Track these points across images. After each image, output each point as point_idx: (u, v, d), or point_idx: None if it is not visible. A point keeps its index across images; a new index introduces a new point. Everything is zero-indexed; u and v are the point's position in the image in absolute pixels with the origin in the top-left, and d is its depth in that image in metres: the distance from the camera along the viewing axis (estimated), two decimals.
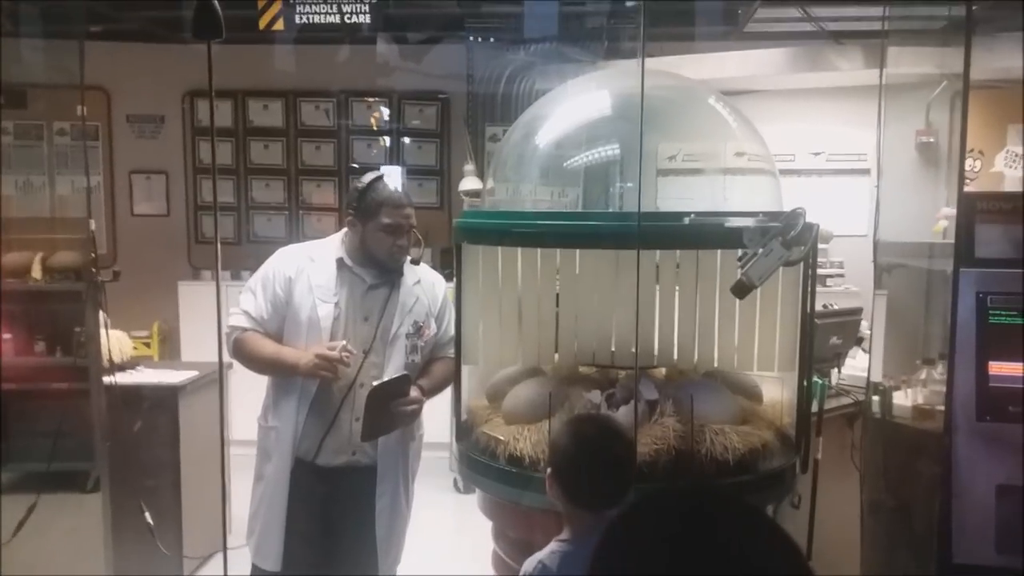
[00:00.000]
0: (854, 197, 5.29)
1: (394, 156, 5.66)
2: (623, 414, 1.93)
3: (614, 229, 1.91)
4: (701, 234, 1.86)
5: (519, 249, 2.16)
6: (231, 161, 5.68)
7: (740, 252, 1.81)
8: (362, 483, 2.31)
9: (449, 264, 5.27)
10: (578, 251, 2.12)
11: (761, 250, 1.73)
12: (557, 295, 2.20)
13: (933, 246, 2.84)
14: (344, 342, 2.24)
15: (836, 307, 3.05)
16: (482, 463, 2.08)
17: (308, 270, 2.34)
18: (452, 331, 2.40)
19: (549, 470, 1.61)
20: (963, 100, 1.92)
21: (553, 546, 1.56)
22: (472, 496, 2.28)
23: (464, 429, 2.25)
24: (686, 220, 1.81)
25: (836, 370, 2.88)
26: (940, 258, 2.70)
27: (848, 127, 5.21)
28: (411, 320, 2.33)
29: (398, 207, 2.31)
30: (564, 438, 1.59)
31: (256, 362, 2.29)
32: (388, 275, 2.35)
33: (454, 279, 2.28)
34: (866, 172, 5.36)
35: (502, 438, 2.05)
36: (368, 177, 2.37)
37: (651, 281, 2.05)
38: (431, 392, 2.34)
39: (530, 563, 1.54)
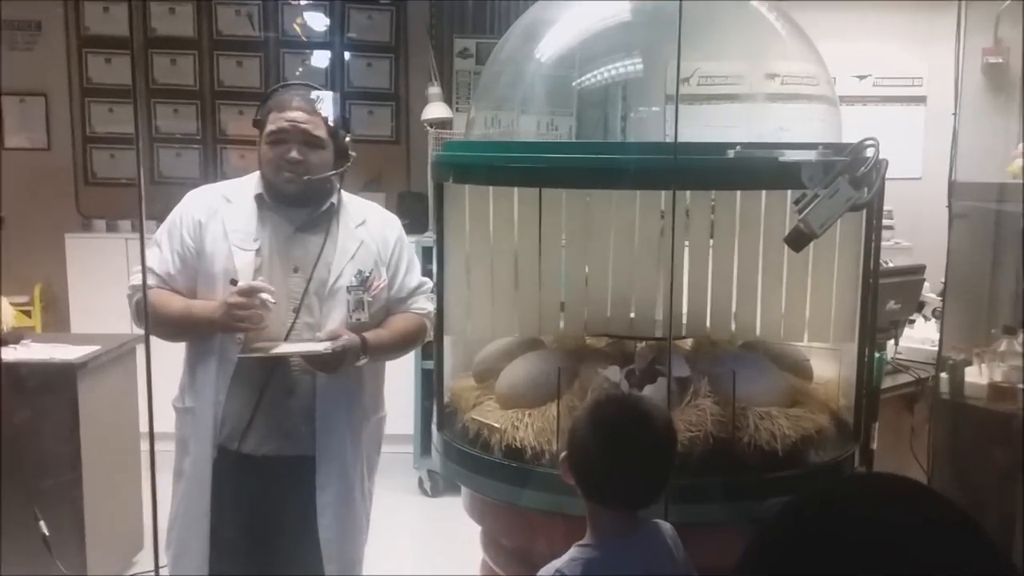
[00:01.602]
0: (906, 130, 5.34)
1: (336, 76, 5.56)
2: (649, 394, 1.93)
3: (643, 164, 1.89)
4: (749, 171, 1.85)
5: (515, 190, 2.15)
6: (128, 80, 5.53)
7: (796, 195, 1.80)
8: (301, 475, 2.30)
9: (408, 213, 5.30)
10: (589, 194, 2.11)
11: (824, 191, 1.73)
12: (563, 248, 2.19)
13: (1004, 188, 2.89)
14: (261, 280, 2.22)
15: (891, 264, 3.10)
16: (471, 456, 2.08)
17: (223, 212, 2.31)
18: (414, 282, 2.40)
19: (564, 455, 1.62)
20: None
21: (574, 552, 1.57)
22: (443, 500, 2.30)
23: (448, 415, 2.25)
24: (730, 153, 1.80)
25: (893, 342, 2.93)
26: (1013, 203, 2.74)
27: (900, 45, 5.23)
28: (354, 269, 2.31)
29: (282, 109, 2.27)
30: (588, 425, 1.59)
31: (164, 325, 2.25)
32: (321, 214, 2.32)
33: (434, 228, 2.26)
34: (920, 100, 5.40)
35: (497, 425, 2.06)
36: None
37: (680, 231, 2.04)
38: (377, 350, 2.29)
39: (546, 571, 1.55)
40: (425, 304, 2.42)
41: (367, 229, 2.37)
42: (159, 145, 5.59)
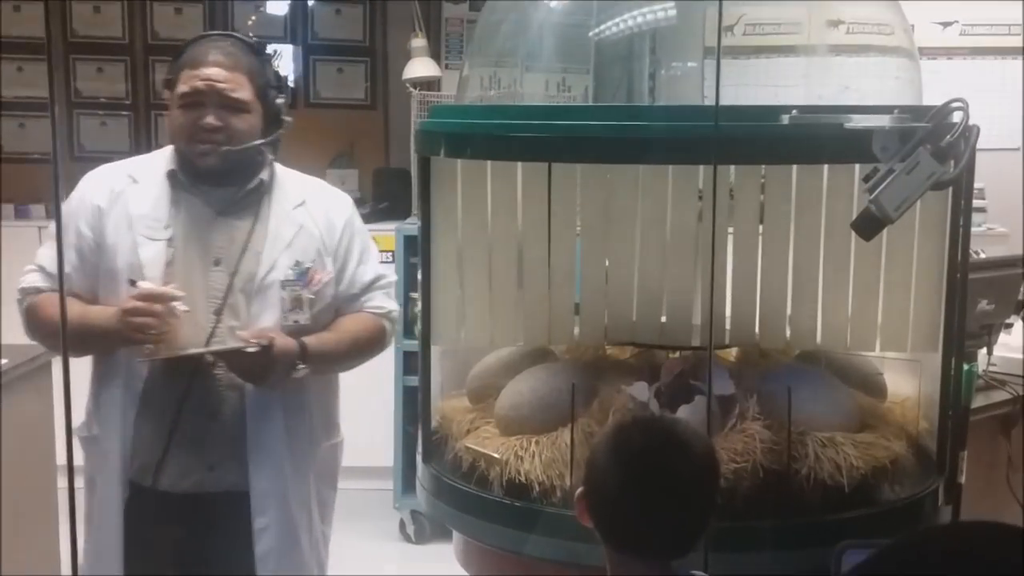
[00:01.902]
0: (1001, 90, 5.33)
1: (298, 26, 5.57)
2: (684, 416, 1.94)
3: (676, 133, 1.90)
4: (807, 140, 1.85)
5: (519, 166, 2.15)
6: (41, 32, 5.54)
7: (866, 170, 1.80)
8: (232, 516, 2.28)
9: (385, 195, 5.31)
10: (610, 170, 2.11)
11: (900, 165, 1.73)
12: (578, 238, 2.20)
13: None
14: (173, 285, 2.19)
15: (984, 255, 3.10)
16: (465, 494, 2.09)
17: (128, 195, 2.29)
18: (368, 275, 2.38)
19: (581, 491, 1.63)
20: None
21: None
22: (430, 547, 2.31)
23: (436, 443, 2.26)
24: (784, 119, 1.80)
25: (985, 351, 2.93)
26: None
27: None
28: (290, 260, 2.29)
29: (196, 65, 2.24)
30: (609, 455, 1.59)
31: (55, 336, 2.25)
32: (249, 194, 2.31)
33: (418, 213, 2.26)
34: (1018, 53, 5.39)
35: (496, 456, 2.06)
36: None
37: (723, 216, 2.05)
38: (319, 358, 2.27)
39: None
40: (384, 302, 2.40)
41: (308, 211, 2.35)
42: (80, 112, 5.59)
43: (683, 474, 1.57)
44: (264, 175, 2.32)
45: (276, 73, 2.34)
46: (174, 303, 2.15)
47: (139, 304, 2.14)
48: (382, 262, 4.51)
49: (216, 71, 2.22)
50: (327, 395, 2.43)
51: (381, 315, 2.39)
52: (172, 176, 2.30)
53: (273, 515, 2.29)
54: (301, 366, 2.22)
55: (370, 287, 2.38)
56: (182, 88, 2.24)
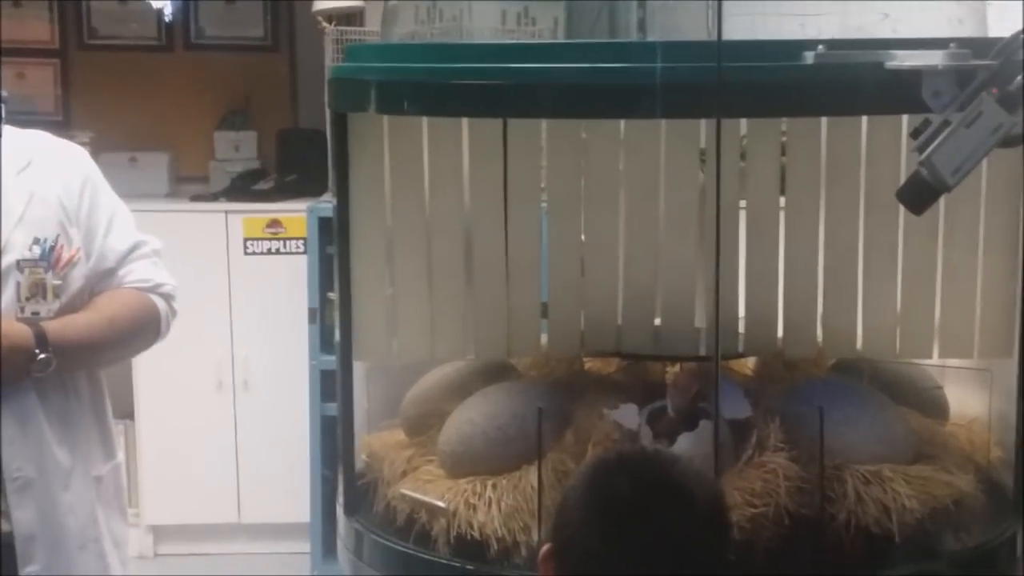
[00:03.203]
0: None
1: None
2: (685, 448, 1.95)
3: (672, 77, 1.90)
4: (838, 85, 1.86)
5: (465, 123, 2.16)
6: None
7: (916, 123, 1.82)
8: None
9: (293, 165, 5.29)
10: (585, 128, 2.12)
11: (958, 115, 1.75)
12: (544, 217, 2.21)
13: None
14: None
15: None
16: (401, 554, 2.10)
17: None
18: (123, 243, 2.41)
19: (547, 548, 1.63)
20: None
21: None
22: None
23: (361, 489, 2.26)
24: (808, 56, 1.81)
25: None
26: None
27: None
28: (27, 237, 2.32)
29: None
30: (585, 501, 1.59)
31: None
32: None
33: (334, 188, 2.26)
34: None
35: (441, 504, 2.07)
36: None
37: (732, 185, 2.06)
38: (66, 347, 2.29)
39: None
40: (149, 272, 2.43)
41: (35, 173, 2.37)
42: None
43: (681, 526, 1.57)
44: None
45: None
46: None
47: None
48: (292, 252, 4.65)
49: None
50: (98, 398, 2.46)
51: (147, 289, 2.42)
52: None
53: (43, 560, 2.31)
54: (42, 356, 2.24)
55: (127, 257, 2.40)
56: None
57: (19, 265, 2.27)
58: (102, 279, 2.39)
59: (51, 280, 2.30)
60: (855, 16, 2.29)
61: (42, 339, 2.24)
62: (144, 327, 2.43)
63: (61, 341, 2.26)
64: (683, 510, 1.58)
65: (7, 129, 2.39)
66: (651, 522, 1.56)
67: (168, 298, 2.43)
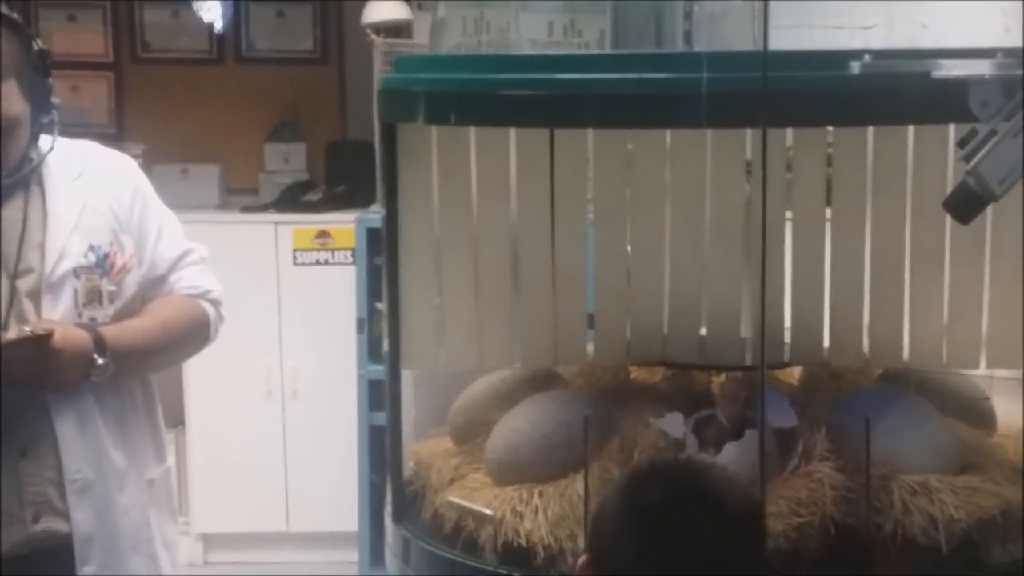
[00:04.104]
0: None
1: None
2: (731, 457, 1.95)
3: (717, 88, 1.91)
4: (884, 96, 1.86)
5: (512, 134, 2.17)
6: None
7: (962, 133, 1.82)
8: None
9: (342, 176, 5.30)
10: (631, 138, 2.12)
11: (1005, 125, 1.75)
12: (590, 227, 2.22)
13: None
14: None
15: None
16: (448, 561, 2.10)
17: None
18: (174, 250, 2.43)
19: (584, 559, 1.63)
20: None
21: None
22: None
23: (409, 497, 2.27)
24: (854, 67, 1.81)
25: None
26: None
27: None
28: (82, 244, 2.33)
29: None
30: (623, 510, 1.60)
31: None
32: (14, 180, 2.33)
33: (383, 199, 2.27)
34: None
35: (489, 512, 2.07)
36: None
37: (779, 196, 2.06)
38: (122, 352, 2.31)
39: None
40: (198, 279, 2.46)
41: (88, 183, 2.39)
42: None
43: (714, 534, 1.56)
44: (33, 153, 2.34)
45: (38, 50, 2.34)
46: None
47: None
48: (340, 263, 4.67)
49: None
50: (150, 403, 2.48)
51: (197, 295, 2.44)
52: None
53: (97, 560, 2.33)
54: (100, 361, 2.26)
55: (177, 264, 2.43)
56: None
57: (76, 272, 2.30)
58: (153, 285, 2.42)
59: (106, 286, 2.33)
60: (897, 27, 2.29)
61: (100, 344, 2.26)
62: (195, 332, 2.46)
63: (118, 346, 2.29)
64: (716, 517, 1.57)
65: (57, 140, 2.43)
66: (683, 530, 1.55)
67: (216, 304, 2.46)
